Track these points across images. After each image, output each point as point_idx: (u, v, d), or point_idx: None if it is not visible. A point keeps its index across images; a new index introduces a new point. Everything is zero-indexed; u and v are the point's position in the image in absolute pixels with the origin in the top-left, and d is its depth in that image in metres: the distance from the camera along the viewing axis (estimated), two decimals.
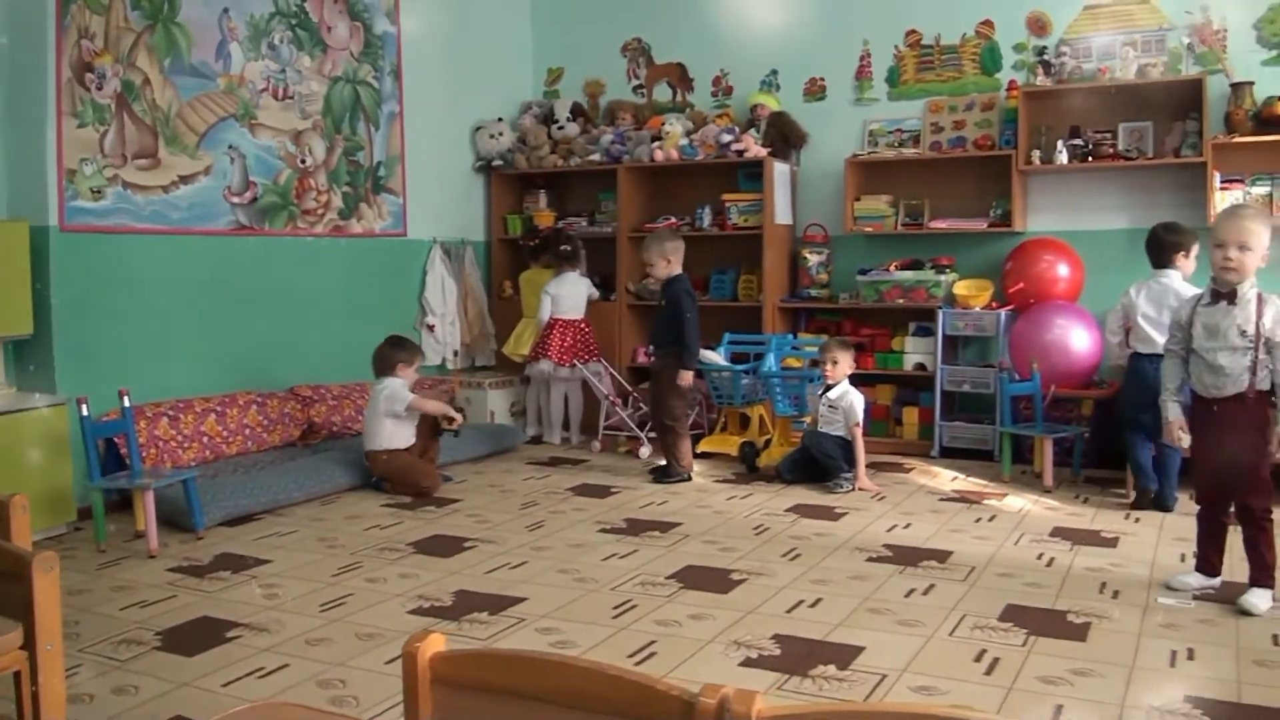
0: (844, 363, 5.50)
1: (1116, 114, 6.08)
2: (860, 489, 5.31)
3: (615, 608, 3.55)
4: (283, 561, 4.19)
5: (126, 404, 4.64)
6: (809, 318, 6.76)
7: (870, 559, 4.14)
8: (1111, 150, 5.96)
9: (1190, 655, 3.13)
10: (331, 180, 6.20)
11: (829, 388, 5.50)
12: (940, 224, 6.37)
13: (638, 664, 3.09)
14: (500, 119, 7.35)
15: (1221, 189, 5.75)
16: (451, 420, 5.40)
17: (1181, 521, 4.68)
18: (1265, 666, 3.05)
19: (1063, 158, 5.99)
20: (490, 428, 6.53)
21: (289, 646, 3.25)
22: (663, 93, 7.31)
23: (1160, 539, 4.43)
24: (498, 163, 7.26)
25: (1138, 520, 4.74)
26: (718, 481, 5.59)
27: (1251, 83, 5.70)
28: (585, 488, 5.46)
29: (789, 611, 3.51)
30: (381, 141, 6.52)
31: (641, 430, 6.36)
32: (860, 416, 5.44)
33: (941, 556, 4.16)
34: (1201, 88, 5.70)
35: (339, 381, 6.11)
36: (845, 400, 5.46)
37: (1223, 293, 3.54)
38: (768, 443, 5.92)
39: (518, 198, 7.47)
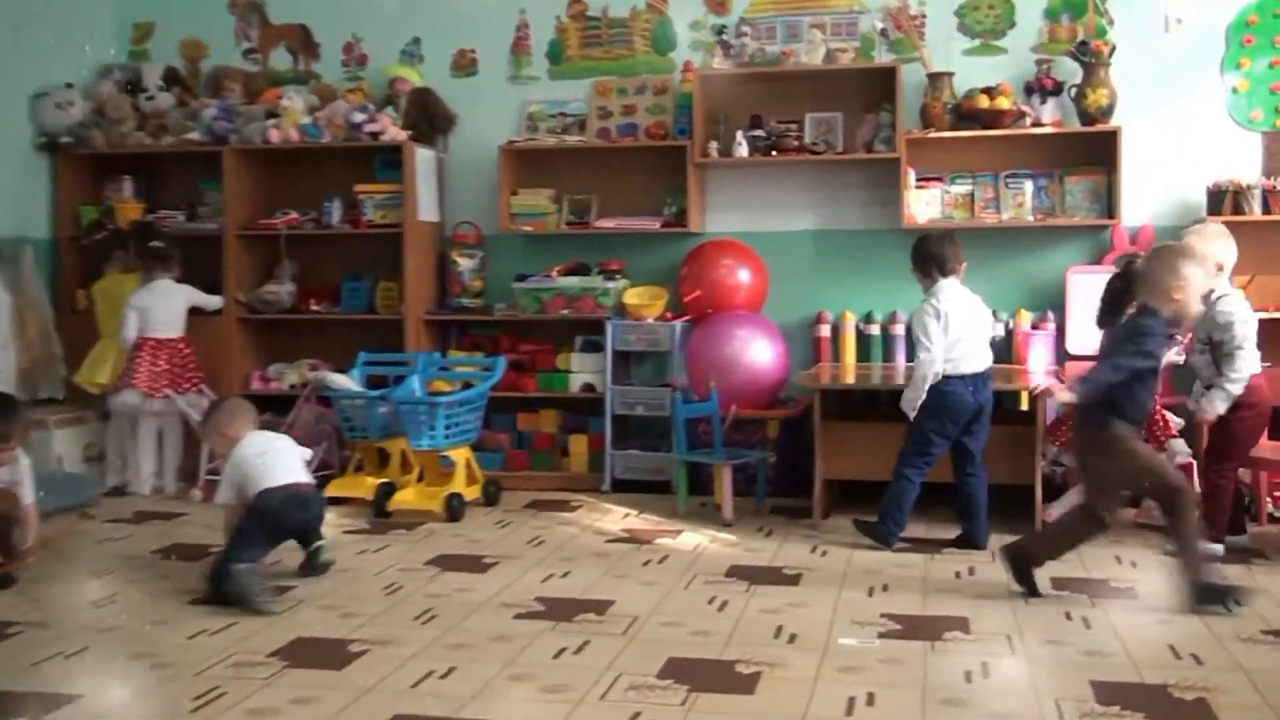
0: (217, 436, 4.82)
1: (803, 103, 6.37)
2: None
3: (197, 699, 3.38)
4: None
5: None
6: (461, 332, 6.71)
7: (519, 615, 4.13)
8: (796, 143, 6.23)
9: (870, 700, 3.26)
10: None
11: None
12: (608, 223, 6.46)
13: None
14: (70, 85, 6.89)
15: (917, 188, 6.16)
16: None
17: (872, 554, 4.94)
18: (955, 705, 3.22)
19: (743, 150, 6.20)
20: (57, 477, 6.01)
21: None
22: (281, 59, 7.10)
23: (847, 573, 4.64)
24: (67, 140, 6.80)
25: (824, 554, 4.96)
26: (347, 533, 5.42)
27: (951, 73, 6.13)
28: (177, 549, 5.17)
29: (415, 686, 3.45)
30: None
31: None
32: None
33: (601, 608, 4.20)
34: (896, 77, 6.06)
35: None
36: None
37: None
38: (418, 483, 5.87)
39: (95, 185, 7.02)
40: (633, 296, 6.30)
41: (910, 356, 5.23)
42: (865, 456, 5.37)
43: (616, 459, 6.23)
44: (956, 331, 4.91)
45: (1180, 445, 5.25)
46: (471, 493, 5.82)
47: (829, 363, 6.22)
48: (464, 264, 6.59)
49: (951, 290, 4.99)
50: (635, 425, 6.44)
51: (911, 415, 4.94)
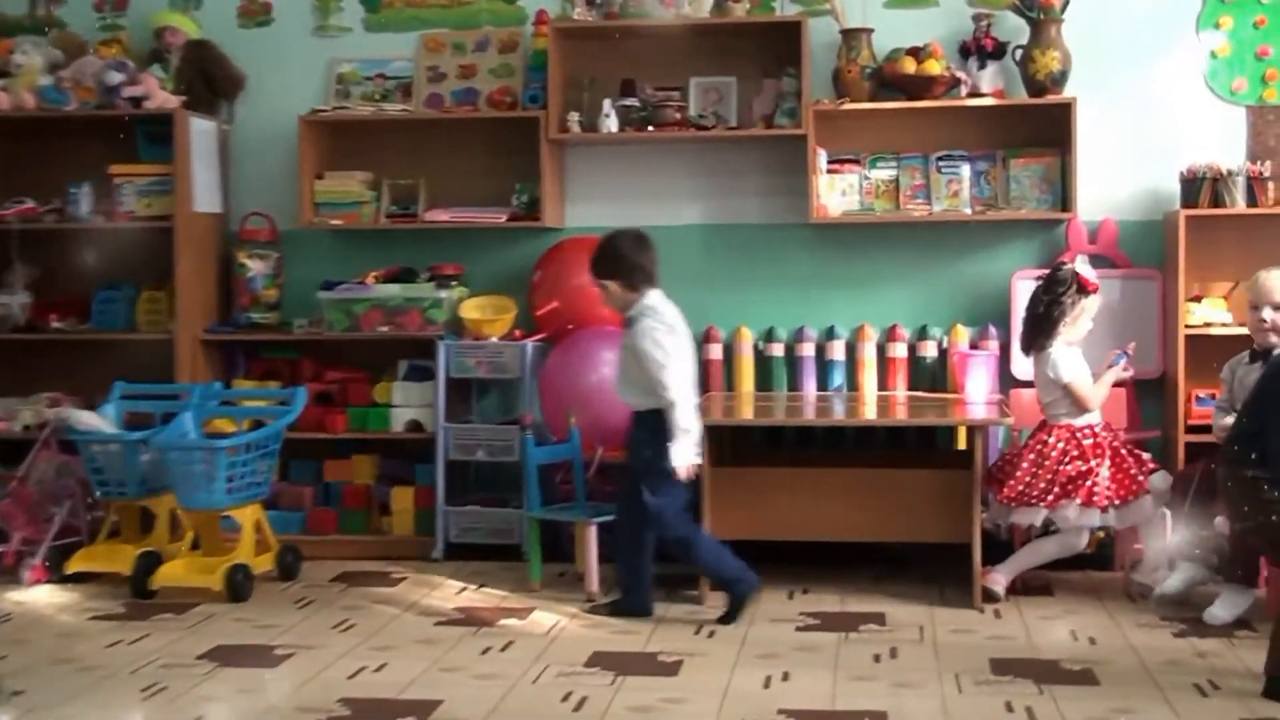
0: None
1: (687, 65, 6.42)
2: None
3: None
4: None
5: None
6: (250, 356, 6.67)
7: None
8: (679, 115, 6.25)
9: None
10: None
11: None
12: (441, 215, 6.45)
13: None
14: None
15: (829, 172, 6.23)
16: None
17: (766, 633, 4.99)
18: None
19: (612, 124, 6.23)
20: None
21: None
22: (13, 3, 6.98)
23: (739, 660, 4.67)
24: None
25: (711, 635, 4.99)
26: (95, 619, 5.33)
27: (870, 30, 6.22)
28: None
29: None
30: None
31: None
32: None
33: (424, 709, 4.17)
34: (801, 34, 6.13)
35: None
36: None
37: (1259, 352, 5.20)
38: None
39: None
40: (472, 309, 6.29)
41: (695, 391, 5.19)
42: (764, 510, 5.42)
43: (451, 518, 6.20)
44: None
45: (1163, 480, 5.40)
46: (262, 564, 5.76)
47: (720, 392, 6.26)
48: (254, 268, 6.53)
49: (665, 304, 5.24)
50: (476, 474, 6.44)
51: (691, 465, 5.07)
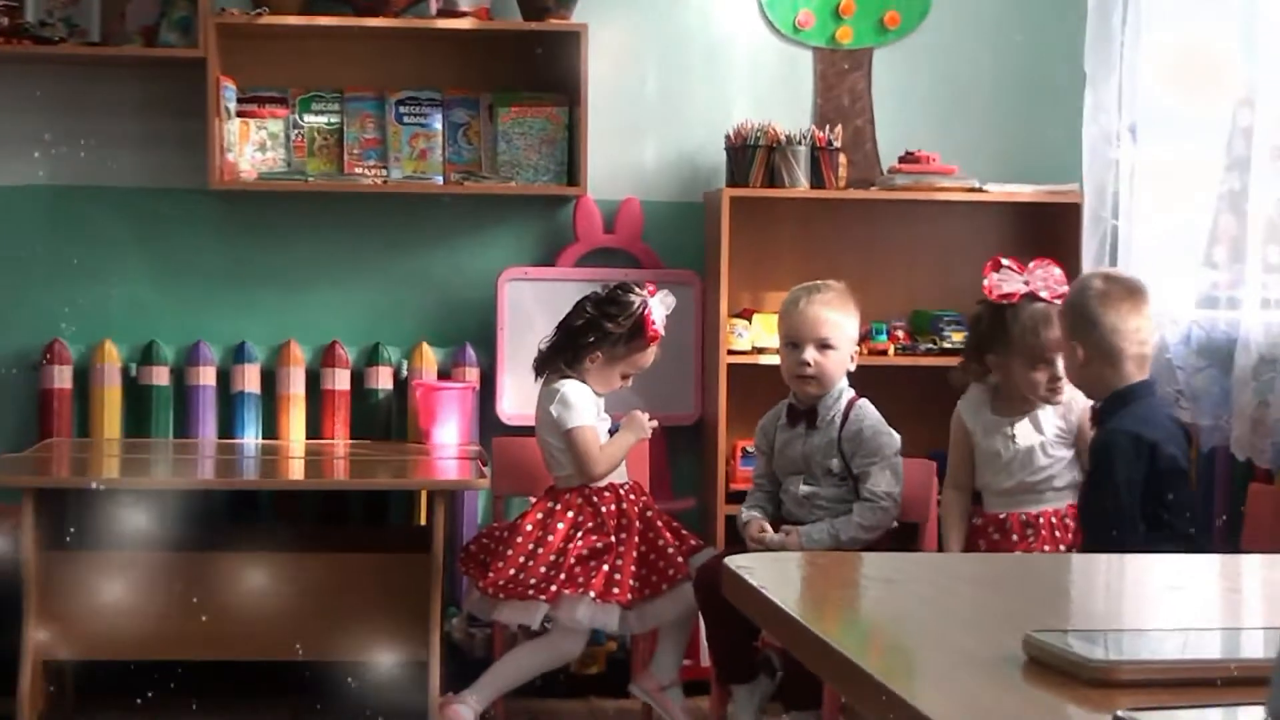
0: None
1: None
2: None
3: None
4: None
5: None
6: None
7: None
8: (9, 21, 6.05)
9: None
10: None
11: None
12: None
13: None
14: None
15: (241, 116, 6.17)
16: None
17: None
18: None
19: None
20: None
21: None
22: None
23: None
24: None
25: None
26: None
27: None
28: None
29: None
30: None
31: None
32: None
33: None
34: None
35: None
36: None
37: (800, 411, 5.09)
38: None
39: None
40: None
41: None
42: (124, 616, 5.23)
43: None
44: None
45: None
46: None
47: (67, 438, 6.09)
48: None
49: None
50: None
51: None
